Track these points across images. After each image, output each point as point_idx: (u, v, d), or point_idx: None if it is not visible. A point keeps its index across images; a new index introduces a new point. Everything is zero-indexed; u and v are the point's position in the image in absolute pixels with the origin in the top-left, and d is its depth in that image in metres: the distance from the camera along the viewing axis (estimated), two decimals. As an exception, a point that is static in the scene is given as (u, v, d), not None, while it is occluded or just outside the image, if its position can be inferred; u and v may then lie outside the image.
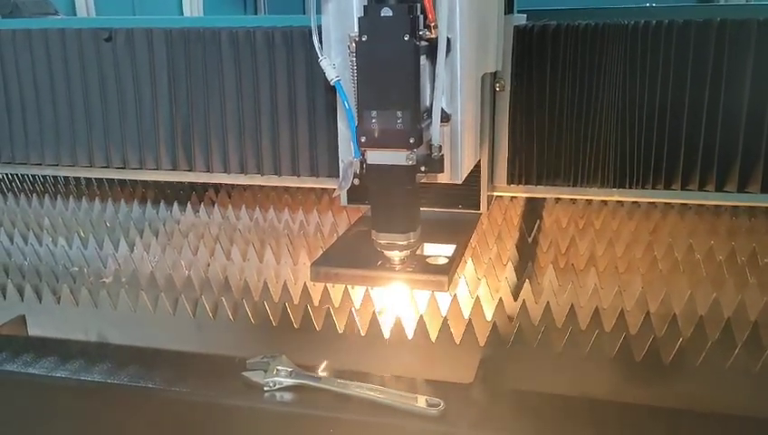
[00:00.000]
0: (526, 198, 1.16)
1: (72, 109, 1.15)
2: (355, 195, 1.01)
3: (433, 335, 0.88)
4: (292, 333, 0.93)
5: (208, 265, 1.09)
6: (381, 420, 0.75)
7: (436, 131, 0.80)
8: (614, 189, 1.02)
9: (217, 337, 0.95)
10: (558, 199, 1.21)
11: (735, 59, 0.92)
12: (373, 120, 0.78)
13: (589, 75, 0.95)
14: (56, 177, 1.41)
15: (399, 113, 0.77)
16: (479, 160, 0.96)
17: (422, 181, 0.84)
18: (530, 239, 1.12)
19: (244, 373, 0.81)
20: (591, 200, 1.17)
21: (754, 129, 0.94)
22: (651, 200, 1.05)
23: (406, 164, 0.79)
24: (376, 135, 0.78)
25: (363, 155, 0.81)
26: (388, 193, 0.83)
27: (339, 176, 1.00)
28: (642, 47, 0.94)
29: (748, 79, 0.92)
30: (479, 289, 0.97)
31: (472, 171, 0.96)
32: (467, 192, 0.98)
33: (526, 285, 0.94)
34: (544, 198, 1.20)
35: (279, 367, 0.81)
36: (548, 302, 0.91)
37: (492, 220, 1.16)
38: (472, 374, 0.82)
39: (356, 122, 0.79)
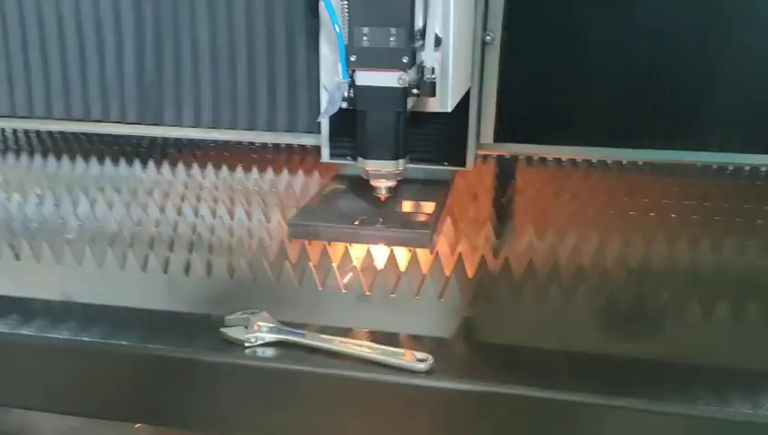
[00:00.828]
0: (498, 157, 1.15)
1: (26, 54, 1.07)
2: (338, 149, 0.98)
3: (415, 292, 0.87)
4: (269, 290, 0.90)
5: (176, 223, 1.05)
6: (370, 377, 0.73)
7: (430, 53, 0.78)
8: (607, 148, 1.00)
9: (190, 295, 0.91)
10: (534, 160, 1.21)
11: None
12: (365, 38, 0.75)
13: (584, 29, 0.94)
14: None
15: (393, 30, 0.74)
16: (468, 115, 0.94)
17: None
18: (505, 200, 1.12)
19: (222, 329, 0.78)
20: (575, 160, 1.17)
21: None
22: (648, 160, 1.04)
23: (397, 86, 0.77)
24: (367, 54, 0.76)
25: (352, 76, 0.78)
26: (376, 118, 0.81)
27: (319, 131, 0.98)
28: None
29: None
30: (459, 247, 0.96)
31: (458, 126, 0.95)
32: (452, 148, 0.96)
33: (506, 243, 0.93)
34: (517, 158, 1.20)
35: (260, 322, 0.78)
36: (530, 259, 0.90)
37: (467, 181, 1.15)
38: (456, 330, 0.81)
39: (345, 41, 0.76)
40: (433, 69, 0.80)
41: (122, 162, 1.25)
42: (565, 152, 1.05)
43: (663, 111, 0.95)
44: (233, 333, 0.77)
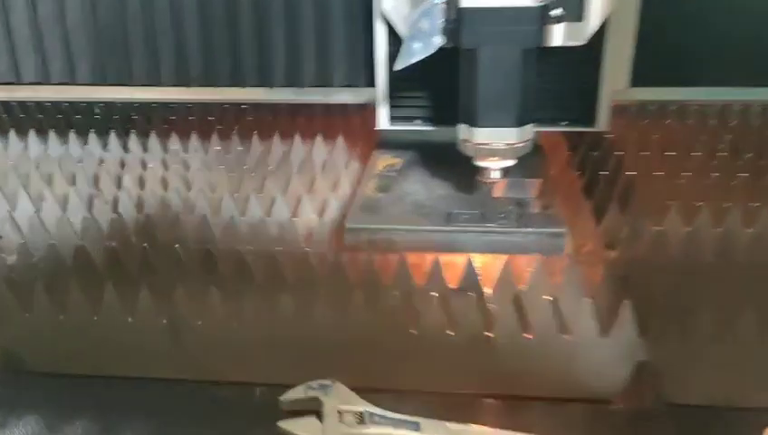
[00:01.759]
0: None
1: None
2: (402, 110, 0.66)
3: (559, 326, 0.56)
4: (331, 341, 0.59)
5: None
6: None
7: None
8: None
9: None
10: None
11: None
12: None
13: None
14: None
15: None
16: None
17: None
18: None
19: (281, 424, 0.47)
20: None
21: None
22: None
23: (532, 5, 0.47)
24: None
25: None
26: (495, 60, 0.50)
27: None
28: None
29: None
30: (589, 244, 0.66)
31: (582, 69, 0.64)
32: (575, 100, 0.66)
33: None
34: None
35: (342, 406, 0.48)
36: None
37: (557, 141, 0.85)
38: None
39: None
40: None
41: (72, 135, 0.91)
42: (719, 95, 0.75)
43: None
44: (301, 429, 0.46)
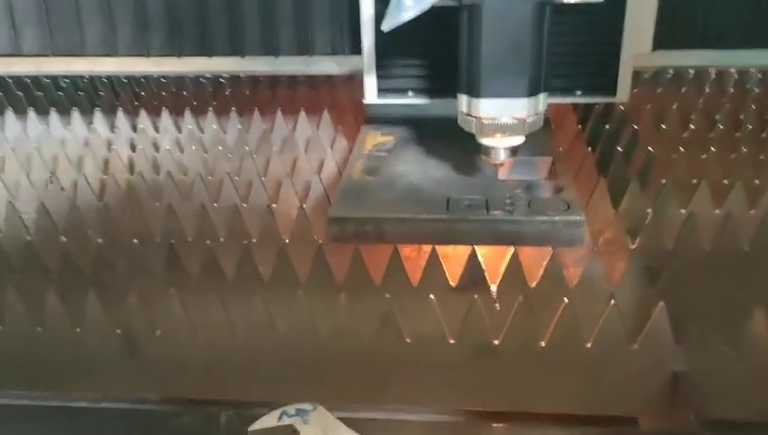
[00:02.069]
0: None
1: None
2: (391, 81, 0.58)
3: (579, 337, 0.48)
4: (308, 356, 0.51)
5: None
6: None
7: None
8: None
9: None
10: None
11: None
12: None
13: None
14: None
15: None
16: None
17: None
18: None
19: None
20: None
21: None
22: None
23: None
24: None
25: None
26: (503, 17, 0.42)
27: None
28: None
29: None
30: (609, 232, 0.58)
31: (603, 33, 0.55)
32: (590, 69, 0.57)
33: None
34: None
35: (322, 438, 0.40)
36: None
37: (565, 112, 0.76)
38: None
39: None
40: None
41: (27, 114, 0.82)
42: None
43: None
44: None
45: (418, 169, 0.59)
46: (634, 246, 0.57)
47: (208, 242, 0.53)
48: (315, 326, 0.47)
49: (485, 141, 0.50)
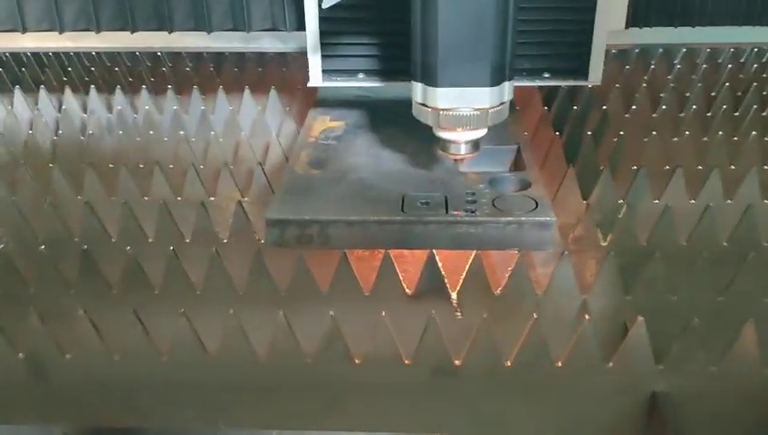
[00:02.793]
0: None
1: None
2: (337, 61, 0.51)
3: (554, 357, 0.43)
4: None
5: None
6: None
7: None
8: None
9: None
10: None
11: None
12: None
13: None
14: None
15: None
16: None
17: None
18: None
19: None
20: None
21: None
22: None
23: None
24: None
25: None
26: None
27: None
28: None
29: None
30: (579, 229, 0.53)
31: (574, 9, 0.49)
32: (559, 49, 0.51)
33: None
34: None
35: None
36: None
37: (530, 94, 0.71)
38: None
39: None
40: None
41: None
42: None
43: None
44: None
45: (370, 160, 0.53)
46: (606, 243, 0.52)
47: (128, 248, 0.47)
48: (251, 346, 0.41)
49: (444, 135, 0.44)
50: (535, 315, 0.39)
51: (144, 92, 0.75)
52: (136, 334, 0.41)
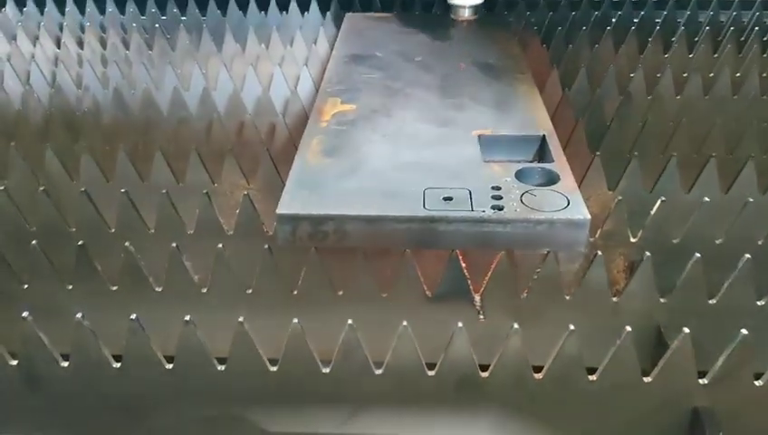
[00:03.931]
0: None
1: None
2: None
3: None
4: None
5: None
6: None
7: None
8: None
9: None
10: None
11: None
12: None
13: None
14: None
15: None
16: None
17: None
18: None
19: None
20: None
21: None
22: None
23: None
24: None
25: None
26: None
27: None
28: None
29: None
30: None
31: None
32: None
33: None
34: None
35: None
36: None
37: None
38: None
39: None
40: None
41: None
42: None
43: None
44: None
45: (387, 146, 0.49)
46: (636, 240, 0.49)
47: (127, 244, 0.43)
48: (261, 354, 0.38)
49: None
50: (572, 327, 0.36)
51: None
52: (137, 341, 0.38)
